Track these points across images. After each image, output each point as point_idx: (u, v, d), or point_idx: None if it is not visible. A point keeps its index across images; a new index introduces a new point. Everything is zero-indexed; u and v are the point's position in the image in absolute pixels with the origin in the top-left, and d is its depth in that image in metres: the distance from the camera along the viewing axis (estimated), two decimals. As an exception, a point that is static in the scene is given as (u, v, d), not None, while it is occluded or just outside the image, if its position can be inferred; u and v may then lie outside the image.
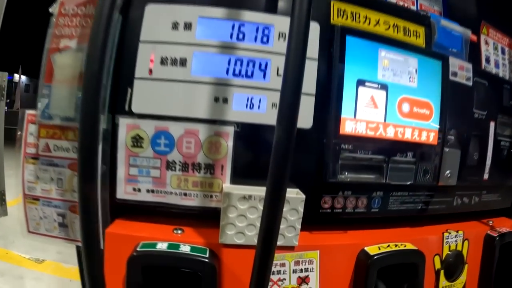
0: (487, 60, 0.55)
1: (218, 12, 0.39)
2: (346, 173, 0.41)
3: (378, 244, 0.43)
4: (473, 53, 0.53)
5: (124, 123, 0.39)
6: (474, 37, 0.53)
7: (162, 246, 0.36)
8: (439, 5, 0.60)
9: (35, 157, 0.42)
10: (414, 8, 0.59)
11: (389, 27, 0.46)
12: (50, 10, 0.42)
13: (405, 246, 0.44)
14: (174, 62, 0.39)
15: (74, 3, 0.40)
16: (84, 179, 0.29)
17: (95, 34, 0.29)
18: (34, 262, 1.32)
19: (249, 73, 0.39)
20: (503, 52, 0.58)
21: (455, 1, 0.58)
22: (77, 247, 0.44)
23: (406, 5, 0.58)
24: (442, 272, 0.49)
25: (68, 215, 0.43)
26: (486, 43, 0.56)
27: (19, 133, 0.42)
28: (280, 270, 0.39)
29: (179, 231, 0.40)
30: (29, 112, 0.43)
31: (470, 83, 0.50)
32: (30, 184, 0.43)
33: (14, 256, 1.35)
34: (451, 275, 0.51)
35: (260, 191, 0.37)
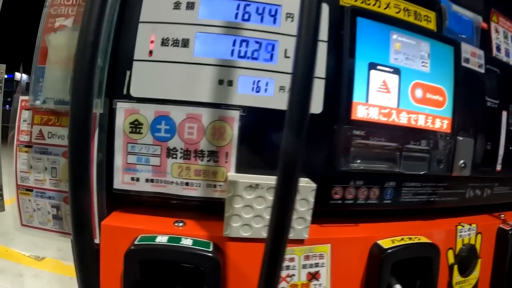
0: (498, 49, 0.52)
1: (222, -9, 0.36)
2: (359, 162, 0.37)
3: (391, 237, 0.39)
4: (484, 41, 0.50)
5: (122, 107, 0.35)
6: (484, 25, 0.50)
7: (162, 239, 0.33)
8: (446, -5, 0.57)
9: (28, 145, 0.39)
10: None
11: (400, 10, 0.42)
12: (45, -9, 0.38)
13: (419, 239, 0.40)
14: (175, 42, 0.35)
15: (71, -19, 0.36)
16: (75, 183, 0.25)
17: (90, 5, 0.26)
18: (34, 260, 1.28)
19: (255, 54, 0.36)
20: (513, 41, 0.55)
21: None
22: (72, 241, 0.40)
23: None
24: (455, 267, 0.45)
25: (63, 206, 0.39)
26: (497, 31, 0.53)
27: (10, 124, 0.38)
28: (289, 266, 0.35)
29: (180, 224, 0.36)
30: (23, 98, 0.39)
31: (482, 70, 0.47)
32: (23, 174, 0.39)
33: (14, 254, 1.30)
34: (464, 270, 0.47)
35: (268, 180, 0.34)
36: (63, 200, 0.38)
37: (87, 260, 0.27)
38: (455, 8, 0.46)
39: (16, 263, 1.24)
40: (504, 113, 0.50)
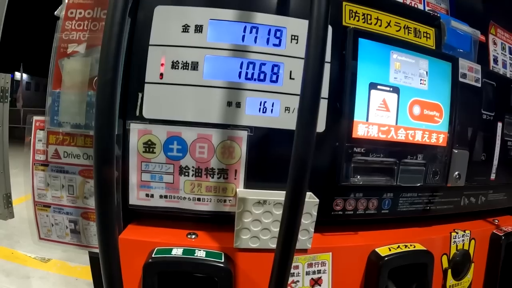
0: (495, 61, 0.56)
1: (229, 14, 0.39)
2: (358, 176, 0.41)
3: (389, 245, 0.44)
4: (481, 54, 0.53)
5: (135, 128, 0.39)
6: (482, 38, 0.53)
7: (177, 251, 0.37)
8: (446, 3, 0.60)
9: (44, 164, 0.42)
10: (421, 6, 0.59)
11: (400, 28, 0.45)
12: (56, 13, 0.41)
13: (414, 246, 0.45)
14: (185, 65, 0.38)
15: (82, 7, 0.39)
16: (101, 162, 0.28)
17: (108, 39, 0.28)
18: (39, 261, 1.32)
19: (262, 76, 0.39)
20: (510, 52, 0.58)
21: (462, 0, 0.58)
22: (90, 253, 0.44)
23: (413, 3, 0.58)
24: (449, 271, 0.50)
25: (80, 221, 0.42)
26: (494, 43, 0.56)
27: (28, 139, 0.41)
28: (293, 273, 0.40)
29: (193, 236, 0.40)
30: (36, 118, 0.42)
31: (478, 85, 0.51)
32: (40, 191, 0.43)
33: (20, 256, 1.34)
34: (458, 274, 0.52)
35: (274, 196, 0.38)
36: (80, 216, 0.42)
37: (114, 273, 0.31)
38: (454, 24, 0.49)
39: (22, 265, 1.28)
40: (499, 124, 0.54)
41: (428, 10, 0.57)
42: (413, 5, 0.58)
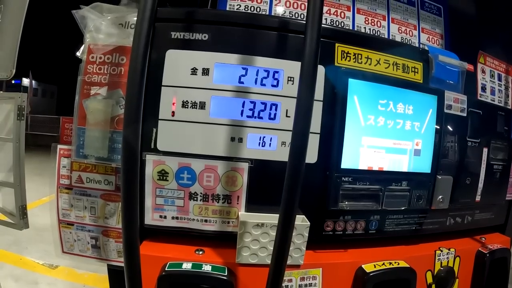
0: (483, 89, 0.66)
1: (232, 58, 0.50)
2: (346, 202, 0.53)
3: (374, 262, 0.56)
4: (469, 83, 0.64)
5: (150, 159, 0.50)
6: (471, 67, 0.64)
7: (187, 266, 0.49)
8: (440, 28, 0.71)
9: (68, 187, 0.54)
10: (416, 32, 0.69)
11: (389, 65, 0.56)
12: (78, 54, 0.52)
13: (398, 263, 0.57)
14: (194, 105, 0.50)
15: (102, 51, 0.50)
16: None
17: (132, 85, 0.40)
18: (47, 268, 1.47)
19: (261, 114, 0.50)
20: (499, 79, 0.69)
21: (456, 24, 0.68)
22: (108, 266, 0.56)
23: (408, 30, 0.68)
24: (433, 286, 0.62)
25: (101, 238, 0.55)
26: (483, 71, 0.67)
27: (54, 166, 0.53)
28: (287, 285, 0.52)
29: (201, 252, 0.52)
30: (61, 147, 0.54)
31: (464, 114, 0.62)
32: (64, 211, 0.55)
33: (28, 262, 1.50)
34: (442, 288, 0.64)
35: (271, 219, 0.49)
36: (101, 233, 0.55)
37: (136, 281, 0.43)
38: (442, 58, 0.60)
39: (31, 271, 1.43)
40: (485, 150, 0.65)
41: (423, 37, 0.68)
42: (408, 31, 0.69)
